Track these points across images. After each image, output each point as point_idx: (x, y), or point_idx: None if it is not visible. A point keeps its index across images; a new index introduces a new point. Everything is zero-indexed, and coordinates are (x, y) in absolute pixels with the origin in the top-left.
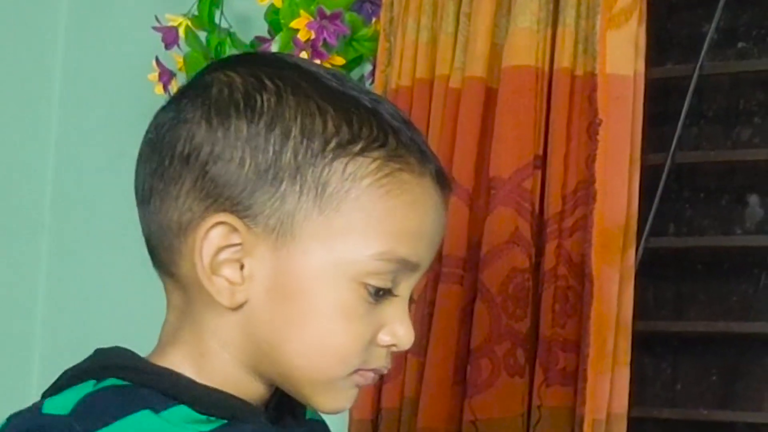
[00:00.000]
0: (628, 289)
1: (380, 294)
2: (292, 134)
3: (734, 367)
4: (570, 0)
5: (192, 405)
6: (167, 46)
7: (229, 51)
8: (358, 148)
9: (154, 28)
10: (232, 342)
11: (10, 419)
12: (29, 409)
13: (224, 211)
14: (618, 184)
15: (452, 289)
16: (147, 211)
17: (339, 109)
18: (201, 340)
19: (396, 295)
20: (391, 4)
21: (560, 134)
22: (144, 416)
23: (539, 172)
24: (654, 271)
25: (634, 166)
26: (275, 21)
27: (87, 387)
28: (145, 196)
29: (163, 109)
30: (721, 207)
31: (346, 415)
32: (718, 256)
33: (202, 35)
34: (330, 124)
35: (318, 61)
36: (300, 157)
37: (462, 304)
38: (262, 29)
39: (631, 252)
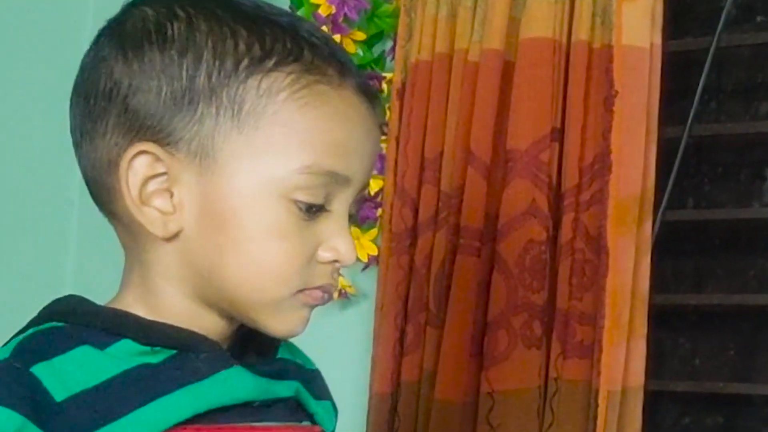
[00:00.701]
0: (644, 262)
1: (313, 210)
2: (204, 57)
3: (752, 341)
4: None
5: (136, 338)
6: None
7: None
8: (271, 63)
9: None
10: (174, 274)
11: None
12: None
13: (146, 140)
14: (634, 156)
15: (469, 261)
16: (80, 154)
17: (252, 30)
18: (147, 278)
19: (330, 211)
20: None
21: (578, 107)
22: (84, 351)
23: (556, 145)
24: (672, 246)
25: (650, 138)
26: None
27: (28, 333)
28: (77, 139)
29: (87, 51)
30: (740, 181)
31: (366, 388)
32: (736, 229)
33: None
34: (242, 44)
35: (338, 36)
36: (214, 79)
37: (479, 276)
38: (284, 3)
39: (648, 224)
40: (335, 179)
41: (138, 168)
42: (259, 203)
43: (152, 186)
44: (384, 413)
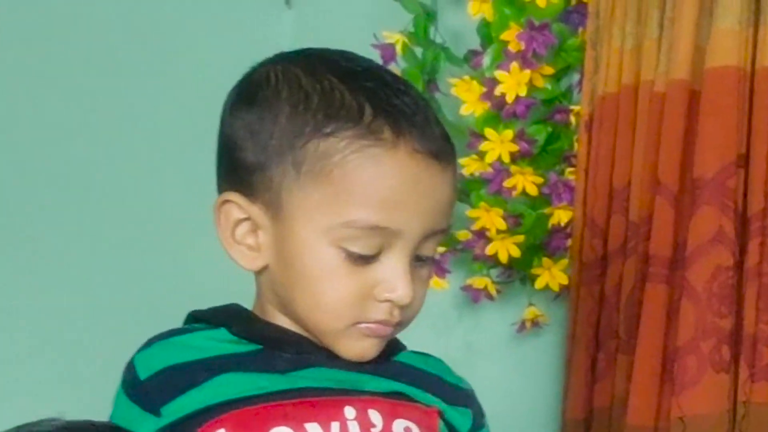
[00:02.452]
0: None
1: (364, 258)
2: (279, 123)
3: None
4: None
5: (231, 328)
6: (385, 63)
7: (444, 65)
8: (330, 129)
9: (373, 45)
10: (271, 300)
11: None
12: None
13: (234, 190)
14: None
15: (658, 289)
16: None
17: (324, 95)
18: (259, 298)
19: (386, 258)
20: (597, 13)
21: (763, 133)
22: (182, 339)
23: (742, 171)
24: None
25: None
26: (487, 33)
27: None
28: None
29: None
30: None
31: (558, 415)
32: None
33: (418, 51)
34: (310, 111)
35: (528, 71)
36: (284, 141)
37: (668, 303)
38: (474, 42)
39: None
40: (384, 232)
41: (227, 213)
42: (316, 249)
43: (242, 228)
44: None
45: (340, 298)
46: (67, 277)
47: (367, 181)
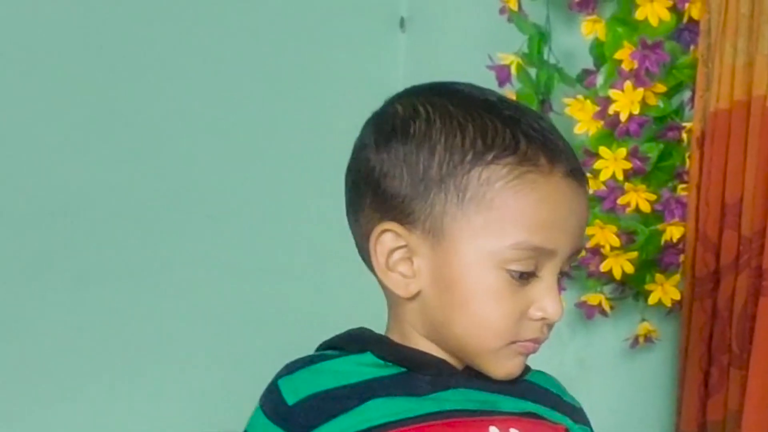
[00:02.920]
0: None
1: (524, 277)
2: (437, 151)
3: None
4: None
5: (375, 352)
6: (501, 84)
7: (557, 85)
8: (491, 156)
9: (488, 66)
10: (417, 324)
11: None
12: None
13: (391, 219)
14: None
15: None
16: (350, 222)
17: (477, 125)
18: (400, 324)
19: (540, 277)
20: (709, 30)
21: None
22: (328, 365)
23: None
24: None
25: None
26: (600, 53)
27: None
28: (347, 209)
29: (357, 138)
30: None
31: (671, 428)
32: None
33: (532, 71)
34: (468, 139)
35: (641, 89)
36: (444, 170)
37: None
38: (587, 62)
39: None
40: (542, 252)
41: (384, 242)
42: (479, 272)
43: (396, 256)
44: None
45: (504, 316)
46: (199, 302)
47: (528, 206)
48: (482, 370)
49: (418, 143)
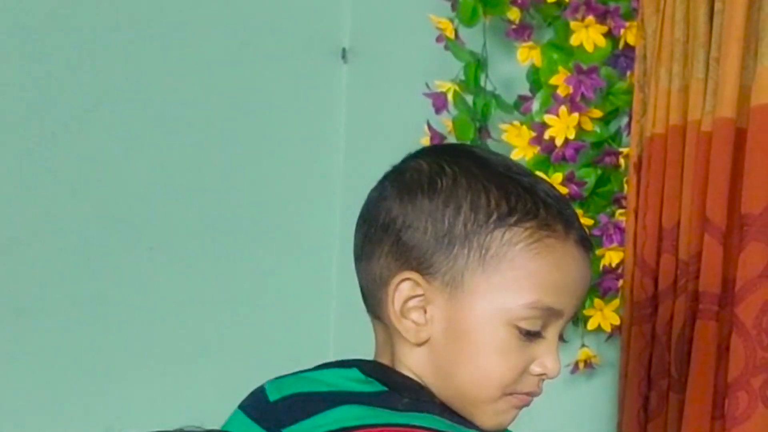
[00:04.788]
0: None
1: (531, 335)
2: (463, 209)
3: None
4: None
5: (361, 368)
6: (437, 111)
7: (494, 112)
8: (513, 219)
9: (425, 94)
10: (419, 369)
11: None
12: None
13: (411, 269)
14: None
15: (709, 326)
16: (360, 267)
17: (500, 188)
18: (396, 365)
19: (544, 336)
20: (644, 56)
21: None
22: (322, 368)
23: None
24: None
25: None
26: (536, 79)
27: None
28: (357, 255)
29: (373, 189)
30: None
31: None
32: None
33: (469, 99)
34: (492, 201)
35: (576, 115)
36: (468, 227)
37: (718, 339)
38: (524, 88)
39: None
40: (551, 312)
41: (403, 290)
42: (490, 326)
43: (411, 303)
44: None
45: (509, 370)
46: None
47: (545, 268)
48: (474, 418)
49: (445, 199)
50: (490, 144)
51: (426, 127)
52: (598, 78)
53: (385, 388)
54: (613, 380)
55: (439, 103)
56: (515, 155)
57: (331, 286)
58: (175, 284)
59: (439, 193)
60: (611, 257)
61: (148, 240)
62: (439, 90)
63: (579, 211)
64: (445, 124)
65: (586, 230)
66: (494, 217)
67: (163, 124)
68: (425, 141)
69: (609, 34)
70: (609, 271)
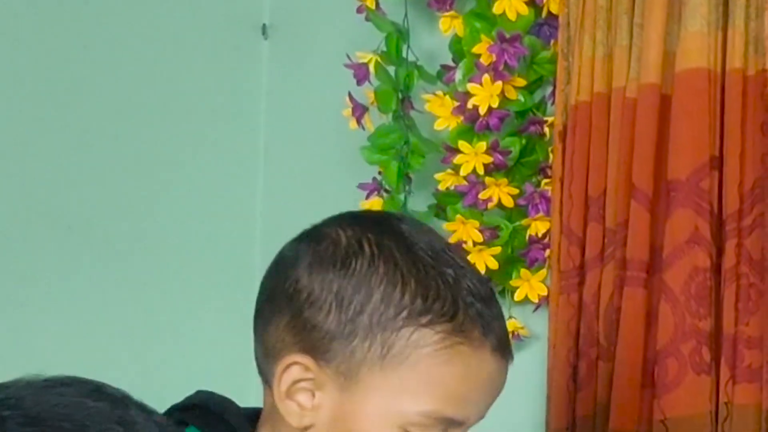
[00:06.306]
0: None
1: None
2: (373, 298)
3: None
4: (739, 1)
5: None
6: (359, 82)
7: (417, 82)
8: (426, 320)
9: (346, 65)
10: None
11: None
12: None
13: (305, 352)
14: None
15: (637, 293)
16: (257, 327)
17: (419, 282)
18: None
19: None
20: (568, 24)
21: (735, 134)
22: None
23: (716, 173)
24: None
25: None
26: (458, 49)
27: None
28: (256, 314)
29: (288, 246)
30: None
31: (543, 426)
32: None
33: (391, 70)
34: (407, 296)
35: (500, 83)
36: (375, 319)
37: (647, 306)
38: (446, 58)
39: None
40: (450, 423)
41: (292, 372)
42: (380, 428)
43: (300, 385)
44: None
45: None
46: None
47: (450, 377)
48: None
49: (356, 284)
50: (414, 115)
51: (347, 99)
52: (522, 46)
53: None
54: (542, 351)
55: (360, 74)
56: (439, 125)
57: (255, 260)
58: (93, 264)
59: (351, 276)
60: (537, 227)
61: (66, 219)
62: (360, 61)
63: (503, 180)
64: (367, 95)
65: (508, 335)
66: (404, 314)
67: (77, 103)
68: (346, 113)
69: (532, 3)
70: (535, 241)
